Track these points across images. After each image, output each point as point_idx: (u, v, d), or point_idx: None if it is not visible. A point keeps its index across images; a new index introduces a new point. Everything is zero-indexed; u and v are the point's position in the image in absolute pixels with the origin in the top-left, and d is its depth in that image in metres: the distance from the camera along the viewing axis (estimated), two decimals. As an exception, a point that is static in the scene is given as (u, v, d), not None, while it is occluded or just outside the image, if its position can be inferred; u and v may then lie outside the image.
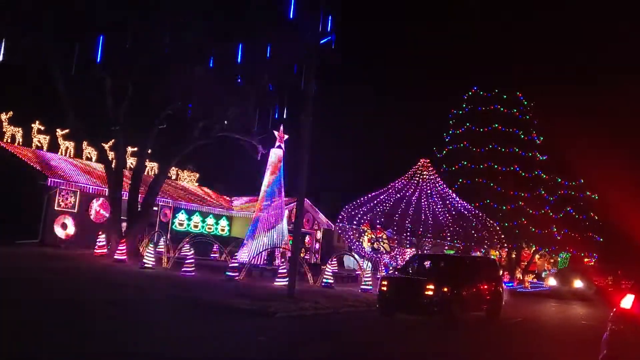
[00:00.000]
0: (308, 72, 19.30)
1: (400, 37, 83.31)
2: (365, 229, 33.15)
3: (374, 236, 32.66)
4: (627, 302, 8.53)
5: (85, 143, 33.40)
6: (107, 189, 28.75)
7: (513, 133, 48.11)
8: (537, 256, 53.82)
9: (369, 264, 29.62)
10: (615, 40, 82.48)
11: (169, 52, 25.25)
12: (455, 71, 75.97)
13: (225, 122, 28.21)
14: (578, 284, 33.27)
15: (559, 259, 54.18)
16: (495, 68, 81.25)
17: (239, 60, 25.77)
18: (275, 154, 28.11)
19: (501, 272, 22.68)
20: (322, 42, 18.94)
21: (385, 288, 16.22)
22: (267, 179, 28.05)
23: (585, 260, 51.49)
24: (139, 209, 27.78)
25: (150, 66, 25.92)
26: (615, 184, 47.87)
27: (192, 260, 22.89)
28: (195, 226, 37.56)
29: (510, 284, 38.14)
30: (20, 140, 31.38)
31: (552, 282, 36.01)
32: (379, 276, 23.12)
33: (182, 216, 36.83)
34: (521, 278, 46.73)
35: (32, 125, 31.85)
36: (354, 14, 58.79)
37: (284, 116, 27.49)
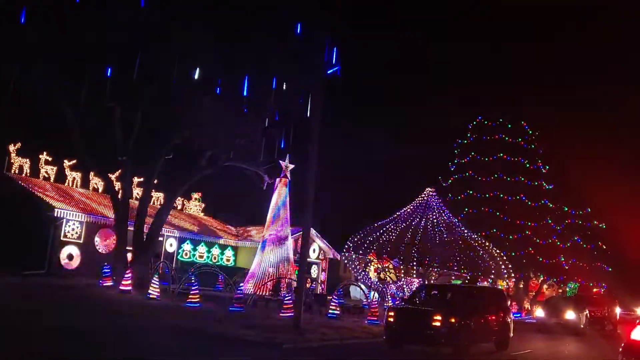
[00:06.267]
0: (314, 101, 19.47)
1: (405, 62, 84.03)
2: (372, 258, 32.97)
3: (380, 266, 32.45)
4: (637, 333, 8.41)
5: (91, 174, 33.56)
6: (113, 220, 28.78)
7: (518, 162, 48.12)
8: (545, 286, 53.28)
9: (376, 294, 29.34)
10: (621, 63, 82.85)
11: (176, 82, 25.45)
12: (460, 100, 76.30)
13: (232, 151, 28.30)
14: (569, 315, 28.09)
15: (567, 289, 53.59)
16: (500, 97, 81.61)
17: (245, 90, 26.00)
18: (281, 184, 28.20)
19: (509, 303, 22.37)
20: (328, 72, 19.12)
21: (392, 319, 16.08)
22: (273, 208, 28.08)
23: (594, 290, 50.78)
24: (144, 240, 27.76)
25: (158, 96, 26.13)
26: (623, 212, 47.68)
27: (197, 291, 22.76)
28: (201, 256, 37.43)
29: (518, 315, 37.65)
30: (28, 171, 31.57)
31: (539, 313, 31.20)
32: (385, 307, 22.92)
33: (187, 246, 36.73)
34: (529, 308, 46.21)
35: (40, 156, 32.07)
36: (358, 41, 59.44)
37: (290, 145, 27.60)
